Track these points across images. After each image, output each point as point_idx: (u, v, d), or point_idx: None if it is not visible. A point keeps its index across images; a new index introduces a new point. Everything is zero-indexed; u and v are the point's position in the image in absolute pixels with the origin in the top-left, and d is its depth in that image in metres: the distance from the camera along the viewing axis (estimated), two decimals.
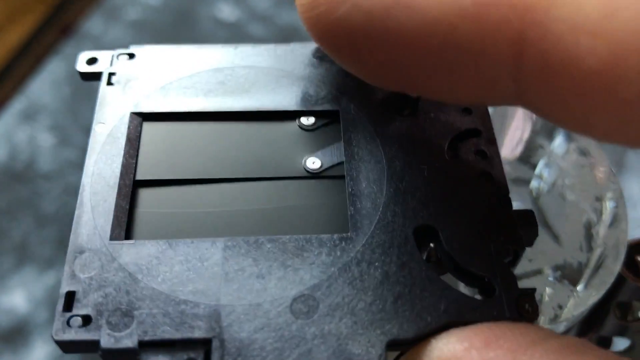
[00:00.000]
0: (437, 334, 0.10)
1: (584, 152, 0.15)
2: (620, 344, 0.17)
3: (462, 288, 0.11)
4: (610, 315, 0.15)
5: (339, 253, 0.11)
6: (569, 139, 0.15)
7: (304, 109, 0.13)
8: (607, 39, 0.08)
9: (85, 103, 0.52)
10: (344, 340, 0.10)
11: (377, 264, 0.11)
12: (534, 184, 0.15)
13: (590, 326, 0.16)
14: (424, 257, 0.11)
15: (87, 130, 0.52)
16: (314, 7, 0.10)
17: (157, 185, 0.12)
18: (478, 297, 0.10)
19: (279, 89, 0.13)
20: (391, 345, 0.10)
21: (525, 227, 0.11)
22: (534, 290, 0.10)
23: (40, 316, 0.42)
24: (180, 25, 0.58)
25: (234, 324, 0.10)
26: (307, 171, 0.12)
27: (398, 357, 0.12)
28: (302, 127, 0.13)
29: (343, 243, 0.11)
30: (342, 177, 0.12)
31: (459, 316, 0.10)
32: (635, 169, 0.47)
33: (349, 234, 0.11)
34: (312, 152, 0.12)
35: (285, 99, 0.13)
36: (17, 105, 0.52)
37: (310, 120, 0.13)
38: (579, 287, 0.14)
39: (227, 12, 0.58)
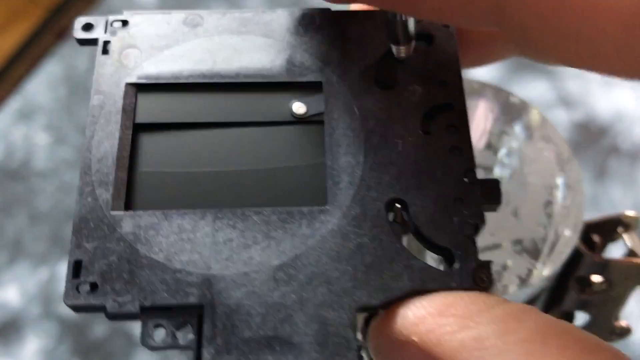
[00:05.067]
0: (402, 300, 0.11)
1: (546, 139, 0.16)
2: (582, 318, 0.18)
3: (430, 260, 0.12)
4: (570, 290, 0.16)
5: (317, 225, 0.11)
6: (529, 127, 0.16)
7: (289, 80, 0.13)
8: None
9: (81, 103, 0.53)
10: (320, 306, 0.11)
11: (351, 236, 0.11)
12: (497, 170, 0.16)
13: (554, 301, 0.17)
14: (391, 218, 0.12)
15: (82, 130, 0.53)
16: None
17: (155, 136, 0.13)
18: (441, 267, 0.11)
19: (266, 58, 0.14)
20: (360, 310, 0.11)
21: (490, 194, 0.12)
22: (490, 262, 0.11)
23: (33, 311, 0.43)
24: None
25: (223, 292, 0.11)
26: (293, 116, 0.13)
27: (368, 319, 0.13)
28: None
29: (322, 216, 0.12)
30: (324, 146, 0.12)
31: (422, 284, 0.11)
32: (616, 175, 0.48)
33: (327, 206, 0.12)
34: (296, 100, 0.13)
35: (272, 70, 0.14)
36: (14, 104, 0.53)
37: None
38: (538, 260, 0.15)
39: None
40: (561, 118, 0.51)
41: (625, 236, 0.16)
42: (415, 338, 0.10)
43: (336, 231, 0.11)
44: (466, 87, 0.17)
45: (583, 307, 0.17)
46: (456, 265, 0.11)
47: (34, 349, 0.41)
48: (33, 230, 0.46)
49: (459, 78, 0.13)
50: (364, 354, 0.15)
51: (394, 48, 0.13)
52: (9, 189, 0.48)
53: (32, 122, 0.52)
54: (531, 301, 0.16)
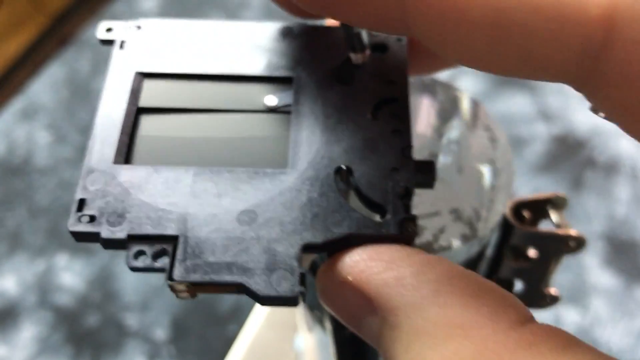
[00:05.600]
0: (340, 243, 0.13)
1: (485, 128, 0.19)
2: (518, 285, 0.20)
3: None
4: (505, 259, 0.18)
5: (277, 182, 0.14)
6: (472, 118, 0.19)
7: (266, 74, 0.16)
8: None
9: (82, 105, 0.55)
10: (272, 241, 0.13)
11: (304, 192, 0.14)
12: (441, 156, 0.19)
13: (493, 268, 0.19)
14: (338, 178, 0.14)
15: (82, 130, 0.56)
16: None
17: (153, 114, 0.16)
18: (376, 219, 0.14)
19: (250, 58, 0.17)
20: (306, 249, 0.13)
21: (425, 172, 0.15)
22: (415, 216, 0.14)
23: (29, 299, 0.44)
24: None
25: (195, 227, 0.13)
26: (265, 106, 0.16)
27: (313, 263, 0.16)
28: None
29: (282, 176, 0.14)
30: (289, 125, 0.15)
31: (358, 230, 0.13)
32: (591, 187, 0.50)
33: (287, 169, 0.14)
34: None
35: (254, 66, 0.16)
36: (18, 104, 0.55)
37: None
38: (472, 226, 0.17)
39: None
40: (541, 131, 0.53)
41: (551, 213, 0.18)
42: (350, 277, 0.12)
43: (292, 187, 0.14)
44: (418, 82, 0.20)
45: (518, 275, 0.19)
46: (387, 217, 0.14)
47: (29, 335, 0.43)
48: (32, 224, 0.48)
49: (405, 78, 0.16)
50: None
51: (352, 55, 0.16)
52: (10, 184, 0.50)
53: (35, 121, 0.54)
54: (473, 266, 0.18)
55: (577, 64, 0.10)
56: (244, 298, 0.46)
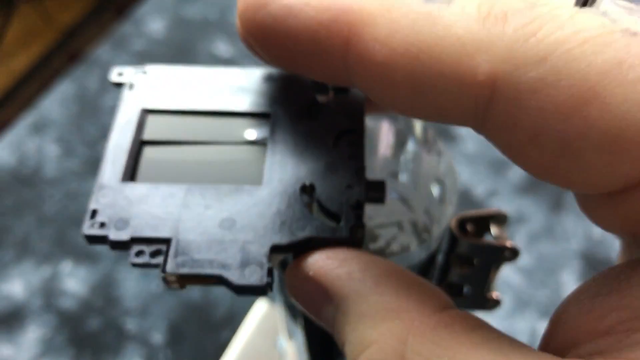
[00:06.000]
0: (303, 245, 0.16)
1: (436, 152, 0.21)
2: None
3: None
4: (452, 266, 0.21)
5: (253, 196, 0.17)
6: (423, 141, 0.22)
7: (249, 111, 0.19)
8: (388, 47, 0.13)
9: (90, 121, 0.58)
10: (247, 243, 0.16)
11: (274, 204, 0.17)
12: (400, 175, 0.21)
13: (443, 274, 0.22)
14: (303, 193, 0.17)
15: (89, 144, 0.59)
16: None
17: (154, 145, 0.19)
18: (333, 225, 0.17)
19: (236, 97, 0.20)
20: (274, 249, 0.16)
21: (376, 190, 0.18)
22: (364, 224, 0.16)
23: (35, 303, 0.47)
24: (180, 58, 0.64)
25: (185, 231, 0.16)
26: (245, 139, 0.19)
27: (283, 263, 0.19)
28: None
29: (257, 191, 0.17)
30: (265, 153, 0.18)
31: (318, 233, 0.16)
32: (570, 208, 0.53)
33: (261, 186, 0.17)
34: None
35: (239, 104, 0.19)
36: (29, 118, 0.58)
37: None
38: (419, 237, 0.20)
39: (223, 49, 0.65)
40: None
41: (492, 227, 0.21)
42: (311, 273, 0.15)
43: (265, 200, 0.17)
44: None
45: (464, 280, 0.21)
46: (341, 224, 0.16)
47: (34, 337, 0.45)
48: (39, 232, 0.51)
49: (361, 114, 0.19)
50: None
51: (318, 96, 0.19)
52: (20, 194, 0.53)
53: (44, 135, 0.57)
54: (425, 270, 0.21)
55: (473, 113, 0.13)
56: (237, 306, 0.49)
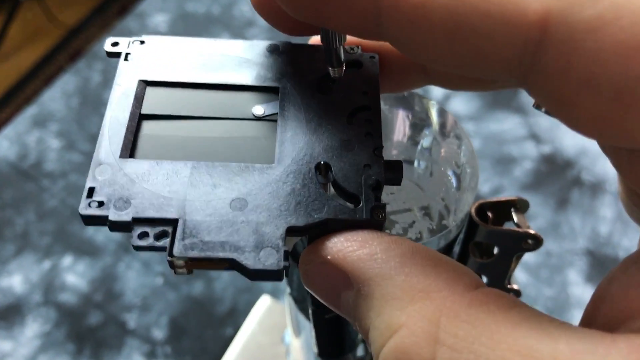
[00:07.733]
0: (320, 228, 0.15)
1: (457, 137, 0.21)
2: (485, 280, 0.22)
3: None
4: (470, 255, 0.20)
5: (265, 175, 0.16)
6: (444, 127, 0.21)
7: (256, 84, 0.18)
8: None
9: (91, 114, 0.58)
10: (261, 224, 0.15)
11: (288, 183, 0.16)
12: (416, 162, 0.21)
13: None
14: (318, 173, 0.16)
15: (91, 138, 0.58)
16: None
17: (154, 120, 0.18)
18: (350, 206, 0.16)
19: (241, 70, 0.19)
20: (289, 231, 0.15)
21: (393, 170, 0.17)
22: (385, 204, 0.16)
23: (35, 298, 0.46)
24: None
25: (193, 212, 0.15)
26: (254, 115, 0.18)
27: (295, 252, 0.18)
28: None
29: (269, 170, 0.16)
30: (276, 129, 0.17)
31: (335, 215, 0.15)
32: (577, 205, 0.52)
33: (273, 164, 0.16)
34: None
35: (245, 77, 0.18)
36: (31, 111, 0.58)
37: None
38: (438, 224, 0.19)
39: None
40: (530, 150, 0.55)
41: (514, 215, 0.20)
42: (329, 257, 0.14)
43: (278, 180, 0.16)
44: (393, 95, 0.22)
45: (482, 270, 0.21)
46: (360, 205, 0.16)
47: (33, 332, 0.45)
48: (39, 226, 0.50)
49: (376, 90, 0.18)
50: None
51: (330, 70, 0.18)
52: (20, 187, 0.52)
53: (46, 128, 0.56)
54: None
55: (518, 60, 0.12)
56: (240, 302, 0.48)
